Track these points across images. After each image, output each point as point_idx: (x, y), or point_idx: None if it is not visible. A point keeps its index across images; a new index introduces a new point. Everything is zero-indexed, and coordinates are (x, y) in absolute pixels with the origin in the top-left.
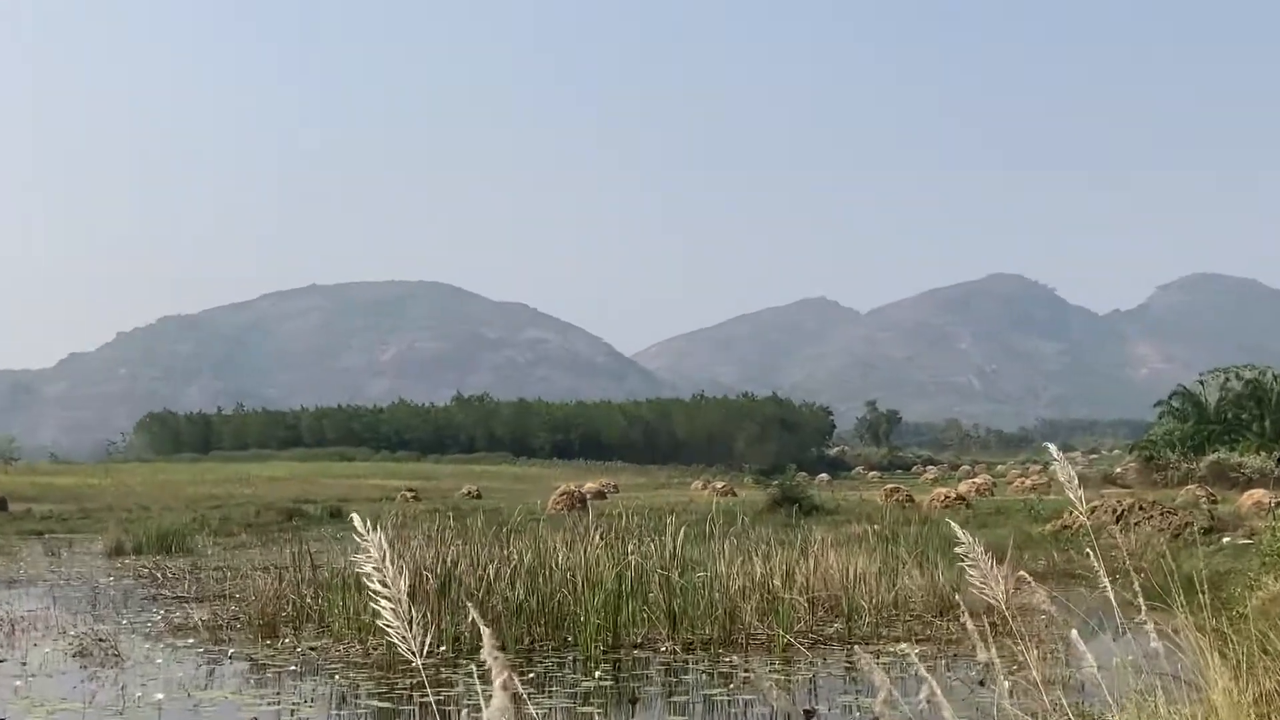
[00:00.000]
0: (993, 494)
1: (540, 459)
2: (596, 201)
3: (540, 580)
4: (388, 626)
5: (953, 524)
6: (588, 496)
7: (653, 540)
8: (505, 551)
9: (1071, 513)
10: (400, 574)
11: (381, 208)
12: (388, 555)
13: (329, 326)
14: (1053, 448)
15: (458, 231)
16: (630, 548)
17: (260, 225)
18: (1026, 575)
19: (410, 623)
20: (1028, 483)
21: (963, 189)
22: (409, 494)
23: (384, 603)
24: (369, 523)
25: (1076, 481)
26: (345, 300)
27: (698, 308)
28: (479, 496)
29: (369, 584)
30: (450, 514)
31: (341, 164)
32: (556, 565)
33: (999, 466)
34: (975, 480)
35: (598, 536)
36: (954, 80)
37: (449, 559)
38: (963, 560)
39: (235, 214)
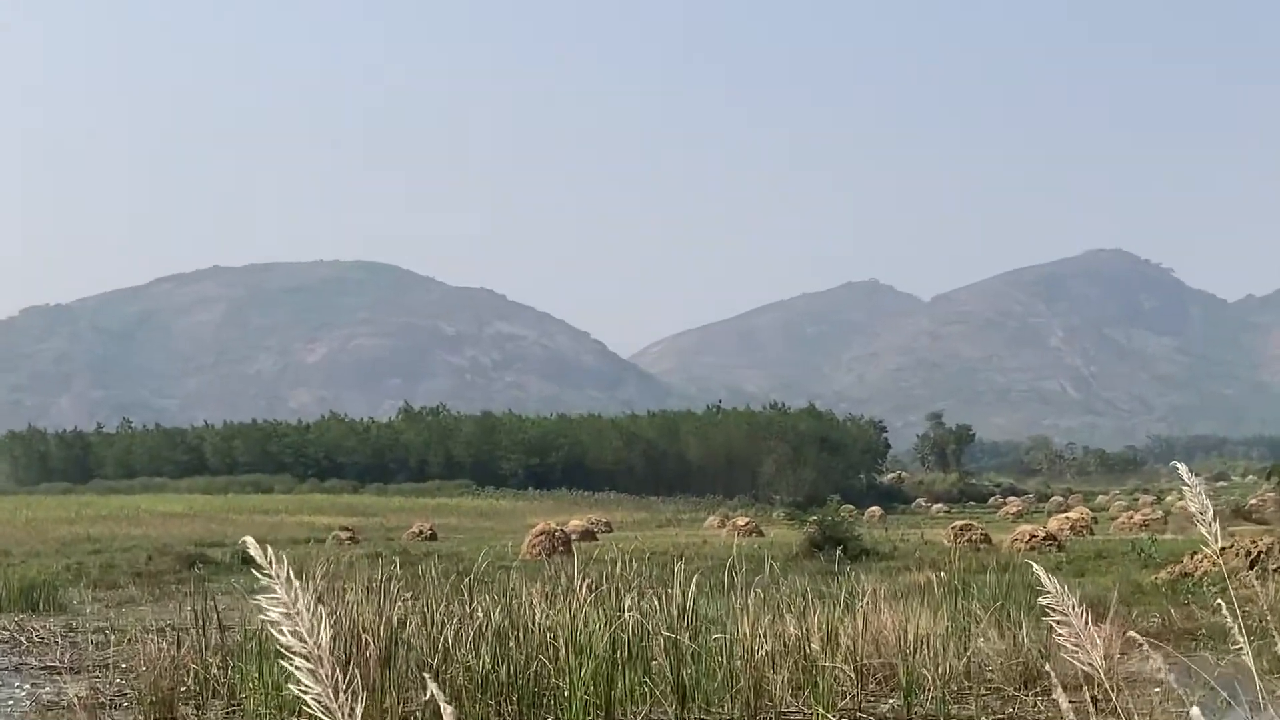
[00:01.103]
0: (1092, 532)
1: (512, 489)
2: (584, 167)
3: (513, 645)
4: (305, 693)
5: (1039, 570)
6: (572, 537)
7: (656, 593)
8: (468, 608)
9: (1193, 556)
10: (321, 623)
11: (309, 173)
12: (300, 596)
13: (239, 320)
14: (1183, 469)
15: (406, 202)
16: (627, 603)
17: (153, 194)
18: (1136, 636)
19: (337, 688)
20: (1137, 518)
21: (1054, 148)
22: (344, 534)
23: (299, 661)
24: (277, 560)
25: (1211, 513)
26: (259, 286)
27: (712, 295)
28: (433, 537)
29: (277, 636)
30: (397, 560)
31: (257, 125)
32: (533, 626)
33: (1100, 498)
34: (1069, 515)
35: (585, 589)
36: (1048, 21)
37: (396, 617)
38: (1052, 617)
39: (116, 180)
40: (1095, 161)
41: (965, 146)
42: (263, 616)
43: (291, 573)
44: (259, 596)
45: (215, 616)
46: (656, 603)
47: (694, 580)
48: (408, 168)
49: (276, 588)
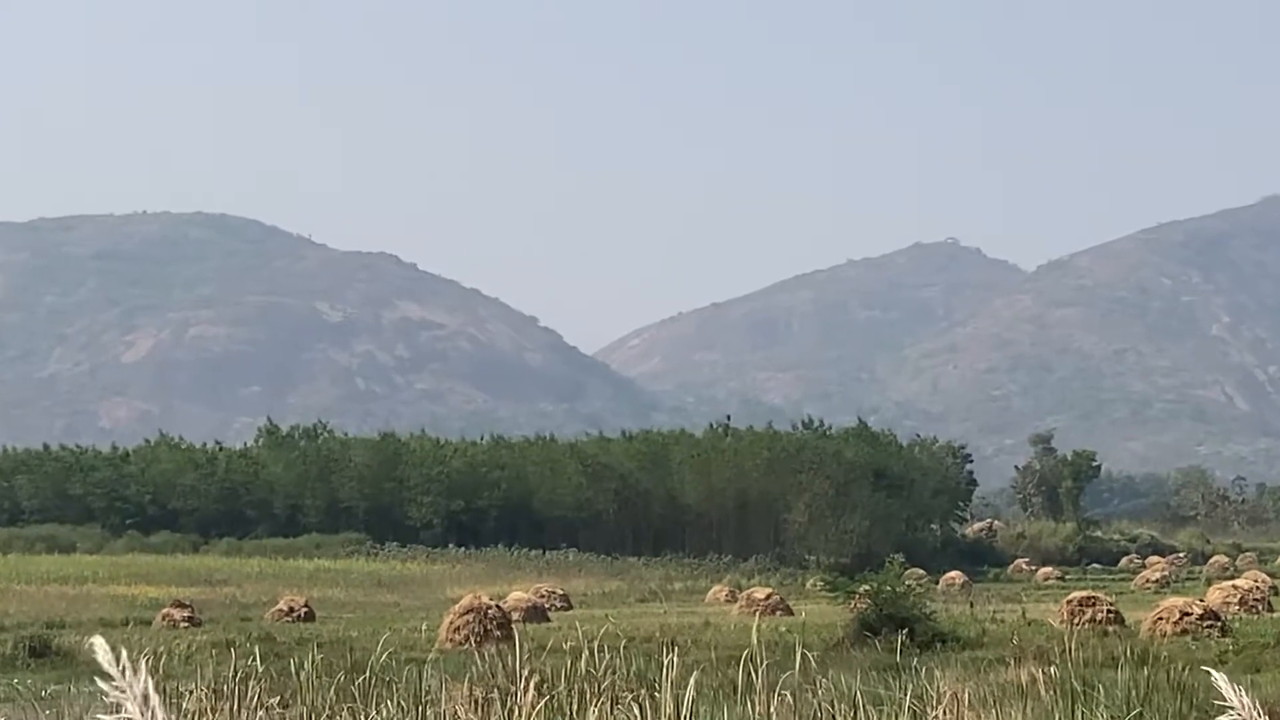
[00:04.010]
0: (1271, 607)
1: (424, 546)
2: (532, 76)
3: None
4: None
5: (1219, 680)
6: (514, 616)
7: (637, 698)
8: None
9: None
10: None
11: (124, 82)
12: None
13: (23, 299)
14: None
15: (269, 127)
16: (594, 715)
17: None
18: None
19: None
20: None
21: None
22: (178, 613)
23: None
24: (133, 669)
25: None
26: (53, 251)
27: (717, 265)
28: (310, 618)
29: None
30: (257, 650)
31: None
32: None
33: None
34: (1238, 583)
35: (533, 692)
36: None
37: None
38: None
39: None
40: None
41: (1080, 54)
42: None
43: (152, 688)
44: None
45: None
46: (637, 712)
47: (692, 680)
48: (273, 74)
49: (129, 706)
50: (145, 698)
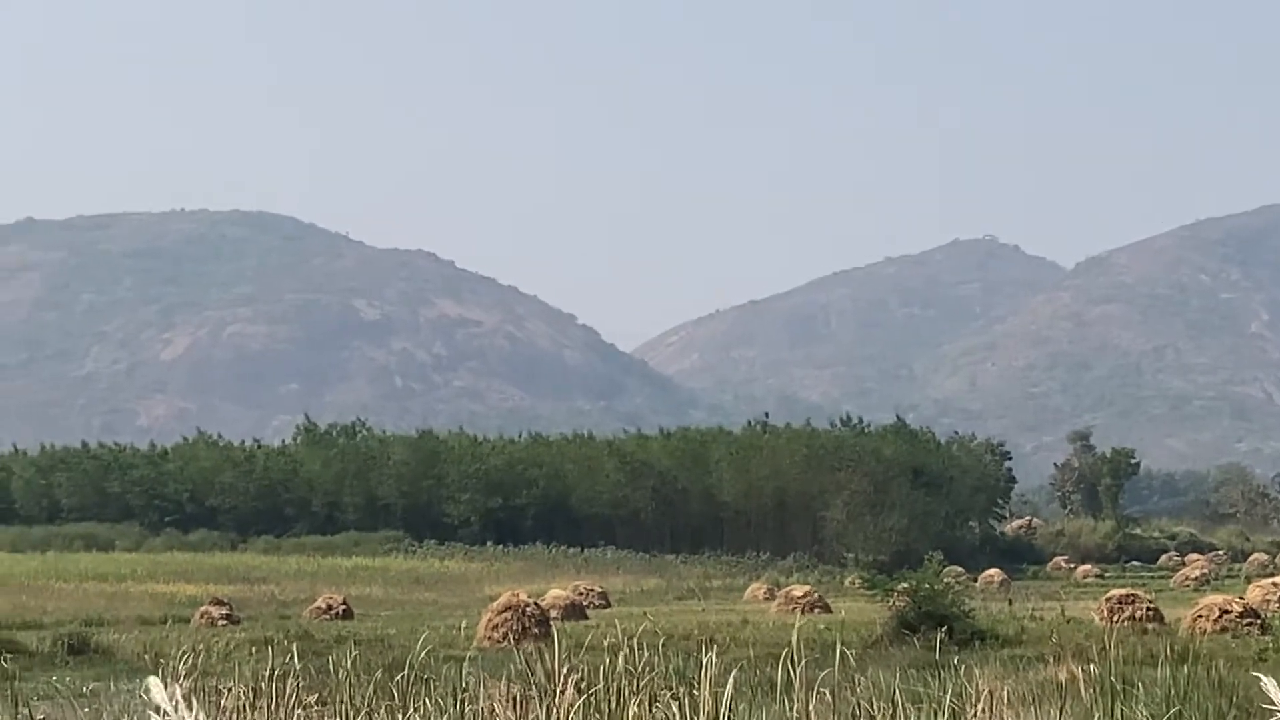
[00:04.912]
0: None
1: (463, 544)
2: (569, 78)
3: None
4: None
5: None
6: (552, 614)
7: (676, 696)
8: (401, 718)
9: None
10: None
11: (165, 83)
12: None
13: (61, 298)
14: None
15: (307, 126)
16: (634, 711)
17: None
18: None
19: None
20: None
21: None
22: (217, 611)
23: None
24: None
25: None
26: (90, 248)
27: (754, 262)
28: (348, 615)
29: None
30: (295, 648)
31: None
32: None
33: None
34: (1277, 580)
35: (572, 689)
36: None
37: None
38: None
39: None
40: None
41: (1119, 49)
42: None
43: None
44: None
45: None
46: (676, 710)
47: (731, 678)
48: (311, 77)
49: None
50: None
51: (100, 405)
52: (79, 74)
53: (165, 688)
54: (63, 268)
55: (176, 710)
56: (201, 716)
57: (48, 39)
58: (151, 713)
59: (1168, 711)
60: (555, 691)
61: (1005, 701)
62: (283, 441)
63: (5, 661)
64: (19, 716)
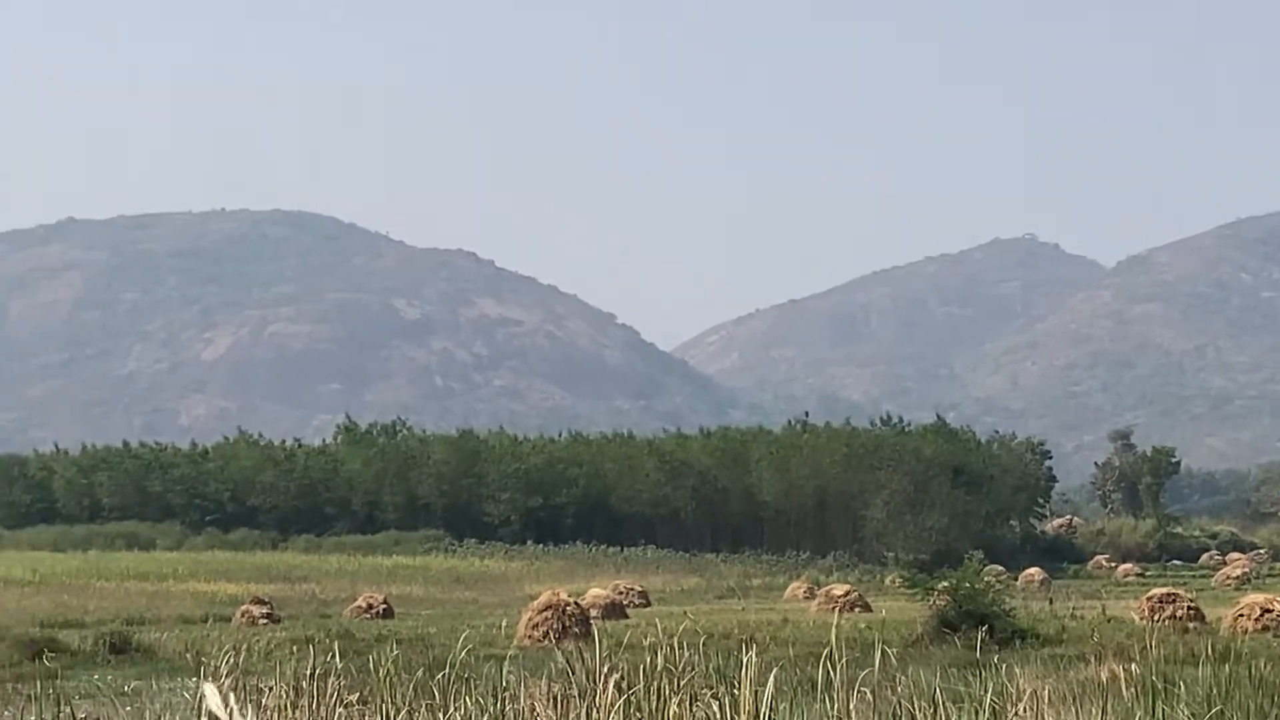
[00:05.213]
0: None
1: (502, 543)
2: (606, 78)
3: None
4: None
5: None
6: (592, 613)
7: (716, 695)
8: (442, 716)
9: None
10: None
11: (204, 82)
12: None
13: (103, 297)
14: None
15: (348, 124)
16: (674, 709)
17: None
18: None
19: None
20: None
21: None
22: (257, 609)
23: None
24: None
25: None
26: (131, 248)
27: (794, 261)
28: (389, 614)
29: None
30: (337, 646)
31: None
32: None
33: None
34: None
35: (613, 688)
36: None
37: None
38: None
39: None
40: None
41: (1158, 47)
42: None
43: None
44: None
45: None
46: (717, 709)
47: (772, 677)
48: (347, 71)
49: None
50: None
51: (142, 405)
52: (119, 74)
53: (220, 694)
54: (104, 267)
55: (231, 717)
56: None
57: (88, 40)
58: (203, 717)
59: (1209, 711)
60: (596, 690)
61: (1046, 701)
62: (323, 441)
63: (48, 660)
64: (61, 715)
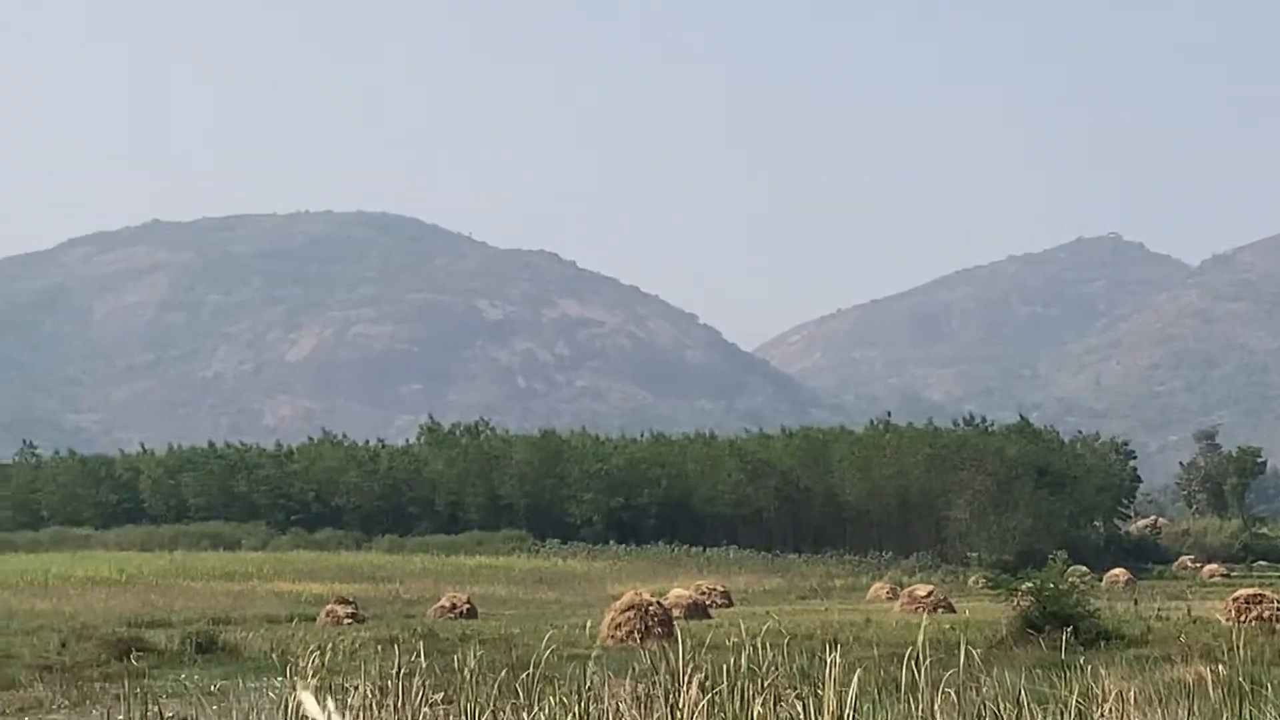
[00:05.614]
0: None
1: (585, 543)
2: (687, 78)
3: None
4: None
5: None
6: (675, 614)
7: (800, 696)
8: (526, 716)
9: None
10: None
11: (285, 85)
12: None
13: (187, 299)
14: None
15: (430, 128)
16: (759, 710)
17: (63, 121)
18: None
19: None
20: None
21: None
22: (342, 609)
23: None
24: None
25: None
26: (217, 251)
27: (876, 261)
28: (472, 614)
29: None
30: (421, 646)
31: (208, 22)
32: None
33: None
34: None
35: (696, 689)
36: None
37: None
38: None
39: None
40: None
41: (1241, 46)
42: None
43: None
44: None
45: None
46: (800, 709)
47: (855, 678)
48: (432, 72)
49: None
50: None
51: (227, 406)
52: (203, 77)
53: (318, 702)
54: (189, 269)
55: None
56: None
57: (172, 44)
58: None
59: None
60: (679, 690)
61: (1132, 702)
62: (406, 441)
63: (135, 659)
64: (149, 714)
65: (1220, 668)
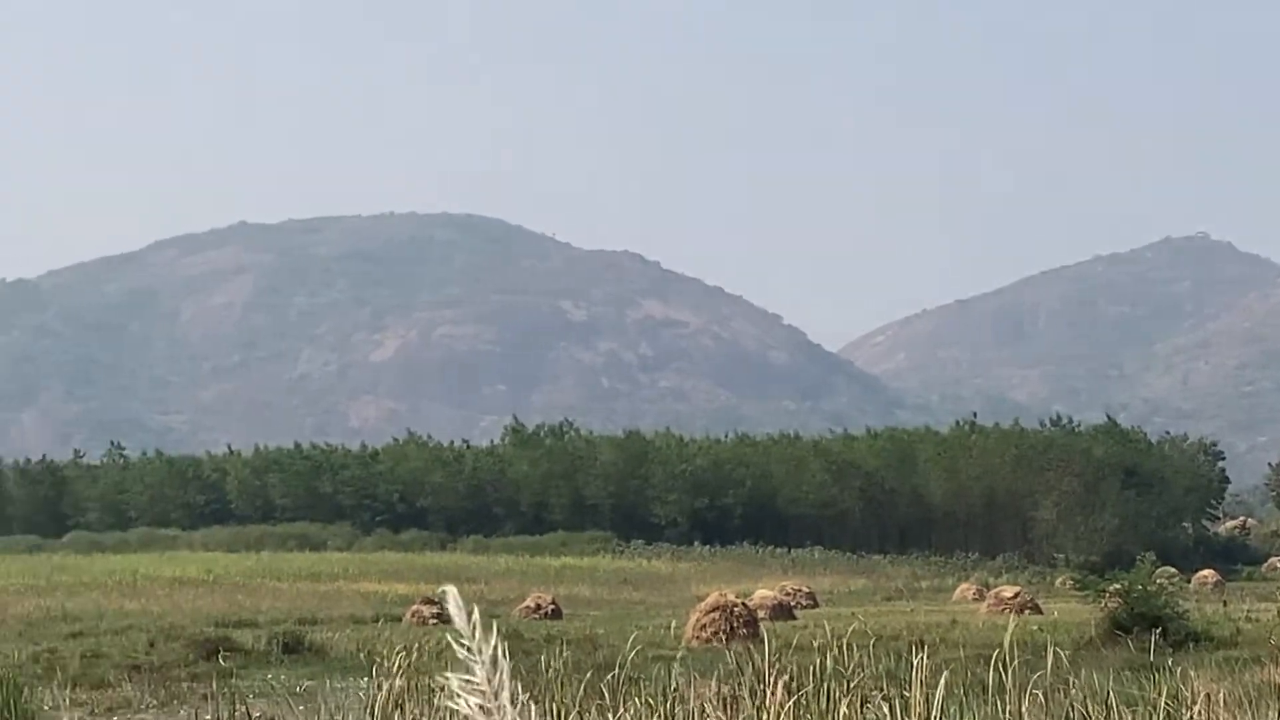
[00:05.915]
0: None
1: (669, 544)
2: (771, 78)
3: None
4: None
5: None
6: (760, 614)
7: (887, 697)
8: (612, 717)
9: None
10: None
11: (372, 88)
12: (505, 686)
13: (274, 300)
14: None
15: (515, 129)
16: (845, 711)
17: (151, 122)
18: None
19: None
20: None
21: None
22: (427, 610)
23: None
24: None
25: None
26: (303, 252)
27: (961, 261)
28: (557, 614)
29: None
30: (505, 647)
31: (294, 23)
32: None
33: None
34: None
35: (782, 690)
36: None
37: None
38: None
39: (97, 105)
40: None
41: None
42: (451, 704)
43: (500, 651)
44: (449, 677)
45: None
46: (887, 712)
47: (942, 679)
48: (519, 80)
49: (476, 669)
50: (494, 661)
51: (312, 406)
52: (288, 80)
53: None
54: (275, 271)
55: (473, 630)
56: (498, 641)
57: (260, 50)
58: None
59: None
60: (765, 691)
61: (1221, 704)
62: (491, 442)
63: (222, 659)
64: (237, 713)
65: None
